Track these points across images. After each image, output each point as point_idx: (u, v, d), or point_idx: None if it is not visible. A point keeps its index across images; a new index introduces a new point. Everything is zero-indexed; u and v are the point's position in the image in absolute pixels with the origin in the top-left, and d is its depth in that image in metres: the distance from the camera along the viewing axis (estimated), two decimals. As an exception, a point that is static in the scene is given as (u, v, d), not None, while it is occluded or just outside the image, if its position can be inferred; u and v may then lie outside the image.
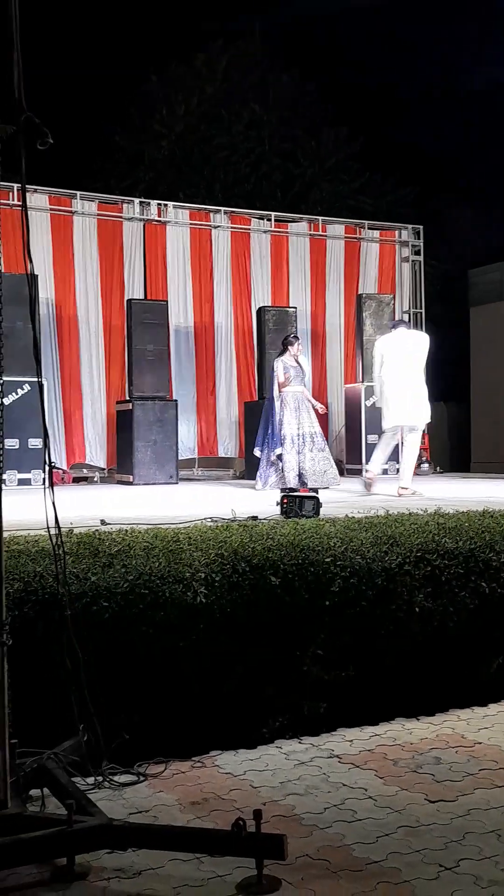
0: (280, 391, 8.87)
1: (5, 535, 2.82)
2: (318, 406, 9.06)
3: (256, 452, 9.15)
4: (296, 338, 9.37)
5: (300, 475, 8.63)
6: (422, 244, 13.23)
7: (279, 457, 8.71)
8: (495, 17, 16.24)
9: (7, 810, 2.64)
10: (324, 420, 9.61)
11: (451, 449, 15.62)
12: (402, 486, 7.98)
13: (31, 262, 3.03)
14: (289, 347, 9.08)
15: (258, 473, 9.06)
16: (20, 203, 3.07)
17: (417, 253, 13.23)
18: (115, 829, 2.56)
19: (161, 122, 17.44)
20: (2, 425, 2.81)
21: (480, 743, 3.59)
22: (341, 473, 9.89)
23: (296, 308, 11.51)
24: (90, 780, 3.13)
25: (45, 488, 3.11)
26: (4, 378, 2.85)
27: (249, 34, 17.62)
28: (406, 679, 3.99)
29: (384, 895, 2.42)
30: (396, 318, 12.16)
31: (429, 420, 8.62)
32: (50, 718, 3.17)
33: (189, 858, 2.61)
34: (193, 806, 3.01)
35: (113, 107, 17.99)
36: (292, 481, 8.49)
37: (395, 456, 9.26)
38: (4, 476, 2.87)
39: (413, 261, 13.21)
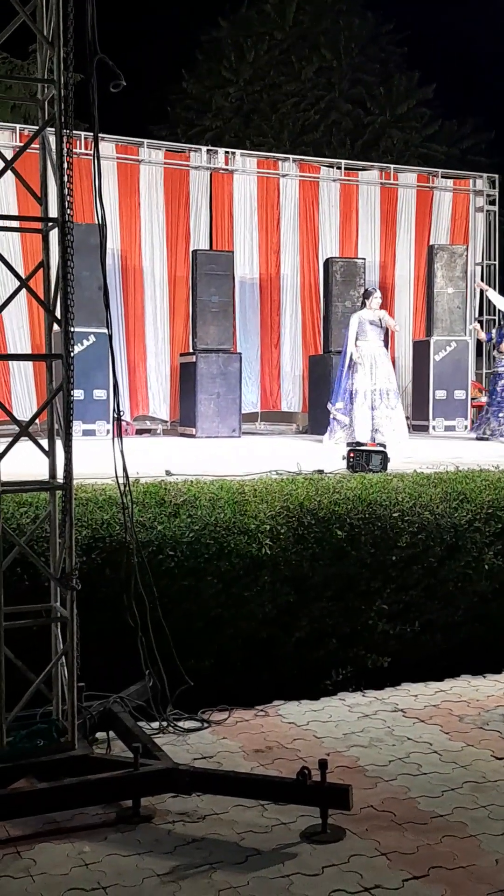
0: (355, 346, 8.72)
1: (74, 483, 2.83)
2: (393, 325, 9.03)
3: (329, 407, 9.10)
4: (374, 289, 9.16)
5: (372, 430, 8.51)
6: (497, 193, 12.80)
7: (339, 410, 8.65)
8: None
9: (74, 752, 2.69)
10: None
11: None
12: None
13: (103, 209, 3.00)
14: (366, 301, 8.91)
15: (329, 427, 9.01)
16: (88, 151, 3.02)
17: (492, 203, 12.81)
18: (181, 774, 2.59)
19: (229, 68, 17.13)
20: (72, 375, 2.80)
21: (548, 702, 3.53)
22: (408, 430, 9.74)
23: (364, 259, 11.27)
24: (155, 724, 3.17)
25: (113, 438, 3.11)
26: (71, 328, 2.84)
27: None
28: (473, 636, 3.94)
29: (450, 848, 2.40)
30: (468, 270, 11.92)
31: None
32: (117, 663, 3.21)
33: (253, 805, 2.63)
34: (257, 753, 3.03)
35: (181, 53, 17.75)
36: (363, 436, 8.39)
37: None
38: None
39: (488, 210, 12.81)
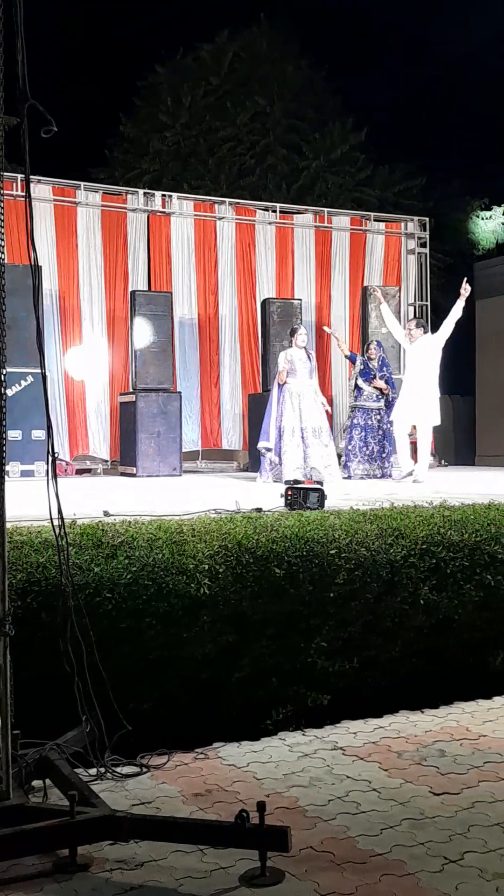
0: (281, 383, 8.76)
1: (8, 525, 2.81)
2: (324, 403, 8.96)
3: (259, 446, 9.11)
4: (299, 325, 9.19)
5: (305, 467, 8.49)
6: (427, 236, 13.17)
7: (267, 449, 8.66)
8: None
9: (9, 801, 2.63)
10: (328, 414, 9.39)
11: (455, 442, 15.59)
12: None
13: (34, 252, 3.01)
14: (292, 338, 9.00)
15: (260, 466, 9.02)
16: (24, 193, 3.04)
17: (423, 245, 13.16)
18: (118, 821, 2.55)
19: (167, 112, 17.36)
20: (4, 416, 2.79)
21: (485, 736, 3.58)
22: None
23: (301, 300, 11.47)
24: (93, 771, 3.12)
25: (48, 479, 3.09)
26: (7, 369, 2.83)
27: (256, 25, 17.52)
28: (410, 671, 3.97)
29: (388, 887, 2.40)
30: (401, 310, 12.13)
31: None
32: (52, 709, 3.16)
33: (192, 850, 2.60)
34: (196, 797, 3.00)
35: (118, 98, 17.94)
36: (293, 473, 8.27)
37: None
38: (7, 467, 2.85)
39: (419, 253, 13.15)
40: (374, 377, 9.57)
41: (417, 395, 8.69)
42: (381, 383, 9.57)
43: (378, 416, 9.53)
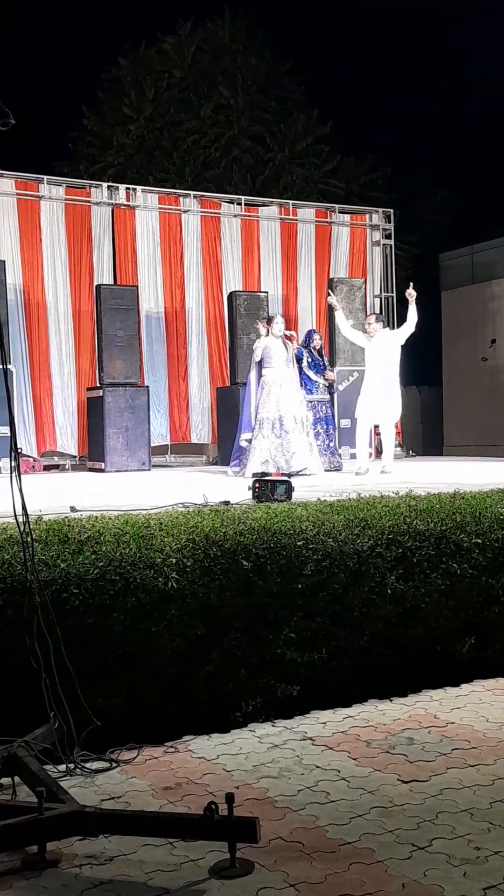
0: (258, 373, 8.44)
1: (-29, 521, 2.79)
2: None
3: (242, 441, 8.69)
4: (274, 315, 8.88)
5: (284, 457, 8.14)
6: (392, 228, 13.22)
7: (248, 441, 8.34)
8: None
9: (-23, 799, 2.62)
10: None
11: (423, 432, 15.70)
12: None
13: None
14: (268, 326, 8.60)
15: (231, 459, 8.83)
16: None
17: (388, 237, 13.22)
18: (87, 816, 2.54)
19: (130, 106, 17.26)
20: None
21: (453, 723, 3.61)
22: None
23: (267, 293, 11.47)
24: (62, 767, 3.11)
25: (11, 475, 3.07)
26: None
27: (219, 17, 17.45)
28: (379, 660, 4.00)
29: (357, 875, 2.42)
30: (367, 302, 12.18)
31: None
32: (21, 706, 3.14)
33: (161, 843, 2.60)
34: (166, 791, 3.00)
35: (82, 91, 17.79)
36: (259, 467, 8.05)
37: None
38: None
39: (384, 244, 13.21)
40: (325, 368, 9.51)
41: (381, 391, 8.75)
42: (332, 374, 9.57)
43: (328, 408, 9.52)
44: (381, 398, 8.73)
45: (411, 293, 8.76)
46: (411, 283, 8.95)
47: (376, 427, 9.30)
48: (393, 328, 9.99)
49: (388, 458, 8.81)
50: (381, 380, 8.77)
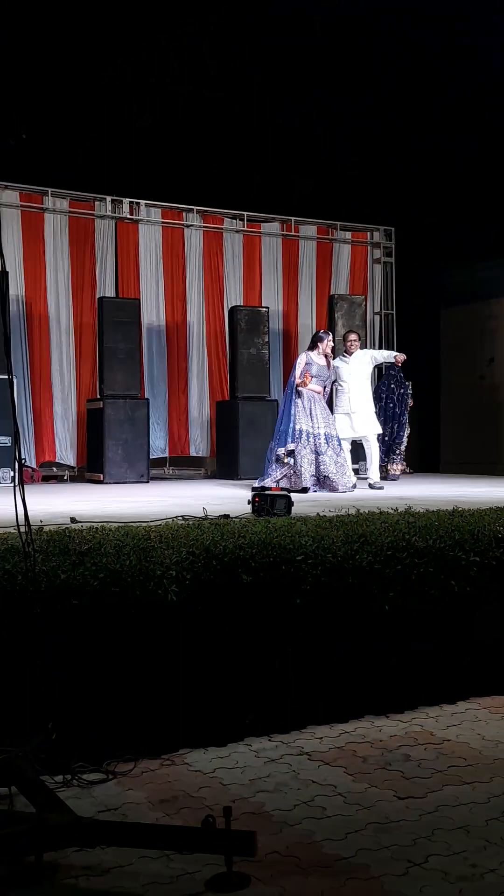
0: (297, 387, 8.36)
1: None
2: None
3: (279, 451, 8.49)
4: (326, 333, 8.81)
5: (318, 477, 8.14)
6: (393, 245, 13.30)
7: (290, 453, 8.14)
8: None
9: (-26, 809, 2.62)
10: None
11: (420, 450, 15.72)
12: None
13: (2, 257, 3.01)
14: (318, 344, 8.58)
15: (264, 471, 8.43)
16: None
17: (389, 254, 13.30)
18: (84, 827, 2.55)
19: (135, 117, 17.35)
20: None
21: (449, 740, 3.62)
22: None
23: (268, 308, 11.52)
24: (59, 777, 3.11)
25: (14, 485, 3.09)
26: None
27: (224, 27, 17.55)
28: (375, 677, 4.01)
29: (353, 891, 2.43)
30: (367, 319, 12.25)
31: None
32: (18, 716, 3.15)
33: (158, 856, 2.60)
34: (162, 804, 3.00)
35: (86, 102, 17.87)
36: (308, 481, 7.99)
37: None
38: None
39: (385, 262, 13.29)
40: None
41: (360, 407, 9.00)
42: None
43: None
44: (362, 414, 8.96)
45: (399, 360, 9.47)
46: (403, 356, 9.45)
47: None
48: (375, 347, 10.54)
49: (376, 472, 8.99)
50: (358, 396, 8.98)
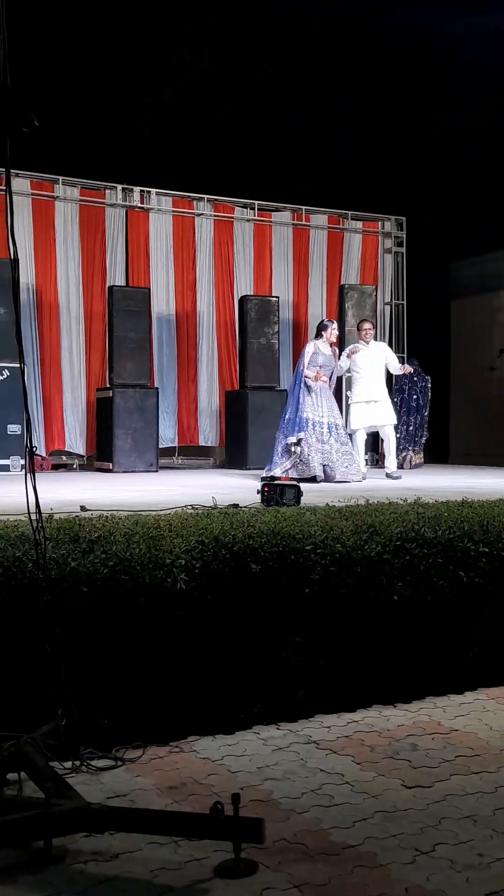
0: (305, 376, 8.37)
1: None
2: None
3: (289, 440, 8.51)
4: (331, 322, 8.81)
5: (325, 466, 8.14)
6: (404, 235, 13.25)
7: (298, 442, 8.16)
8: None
9: (-16, 793, 2.64)
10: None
11: (429, 440, 15.69)
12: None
13: (14, 245, 3.01)
14: (323, 332, 8.59)
15: (270, 460, 8.45)
16: (3, 187, 3.04)
17: (400, 244, 13.25)
18: (93, 813, 2.56)
19: (146, 106, 17.31)
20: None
21: (457, 730, 3.62)
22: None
23: (278, 298, 11.50)
24: (67, 764, 3.13)
25: (25, 473, 3.09)
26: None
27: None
28: (384, 666, 4.01)
29: (361, 878, 2.44)
30: (377, 309, 12.22)
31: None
32: (28, 702, 3.17)
33: (166, 842, 2.62)
34: (171, 790, 3.02)
35: (98, 90, 17.82)
36: (317, 470, 8.01)
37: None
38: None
39: (395, 252, 13.24)
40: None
41: (382, 397, 9.01)
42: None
43: None
44: (383, 403, 8.96)
45: (407, 369, 9.46)
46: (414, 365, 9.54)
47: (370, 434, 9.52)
48: (384, 338, 10.60)
49: (394, 462, 8.97)
50: (378, 385, 8.99)
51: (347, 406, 9.57)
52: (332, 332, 8.63)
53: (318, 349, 8.50)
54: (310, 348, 8.55)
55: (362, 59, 15.00)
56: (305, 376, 8.36)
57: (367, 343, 9.20)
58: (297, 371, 8.56)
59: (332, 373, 8.67)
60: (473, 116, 16.15)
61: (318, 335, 8.66)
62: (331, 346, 8.61)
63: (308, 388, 8.34)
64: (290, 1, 14.60)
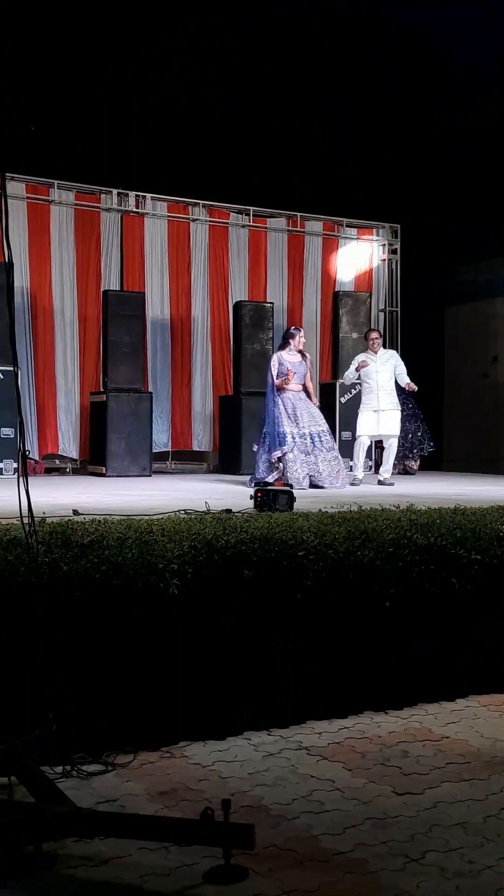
0: (275, 388, 8.33)
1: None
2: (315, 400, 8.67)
3: (255, 448, 8.63)
4: (297, 329, 8.78)
5: (312, 477, 8.14)
6: (399, 243, 13.29)
7: (280, 458, 8.13)
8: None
9: (-26, 798, 2.63)
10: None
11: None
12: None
13: (9, 249, 3.02)
14: (289, 341, 8.53)
15: (253, 475, 8.43)
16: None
17: (394, 252, 13.29)
18: (83, 817, 2.56)
19: (141, 110, 17.32)
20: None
21: (447, 737, 3.63)
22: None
23: (272, 303, 11.52)
24: (58, 768, 3.12)
25: (18, 476, 3.09)
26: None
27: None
28: (375, 673, 4.02)
29: (351, 885, 2.44)
30: (371, 316, 12.25)
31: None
32: (19, 707, 3.16)
33: (156, 847, 2.61)
34: (161, 796, 3.02)
35: (94, 94, 17.83)
36: (303, 483, 7.95)
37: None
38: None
39: (390, 259, 13.27)
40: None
41: (390, 407, 9.04)
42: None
43: None
44: (391, 413, 9.01)
45: (412, 386, 9.21)
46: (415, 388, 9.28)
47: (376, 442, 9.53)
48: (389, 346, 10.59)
49: (389, 470, 9.02)
50: (387, 395, 9.01)
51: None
52: (300, 339, 8.57)
53: (281, 359, 8.42)
54: (274, 360, 8.49)
55: (362, 59, 15.01)
56: (277, 386, 8.33)
57: (376, 353, 9.23)
58: (268, 384, 8.50)
59: (303, 380, 8.53)
60: (473, 117, 16.18)
61: (285, 345, 8.59)
62: (299, 353, 8.54)
63: (281, 399, 8.29)
64: (291, 1, 14.61)
